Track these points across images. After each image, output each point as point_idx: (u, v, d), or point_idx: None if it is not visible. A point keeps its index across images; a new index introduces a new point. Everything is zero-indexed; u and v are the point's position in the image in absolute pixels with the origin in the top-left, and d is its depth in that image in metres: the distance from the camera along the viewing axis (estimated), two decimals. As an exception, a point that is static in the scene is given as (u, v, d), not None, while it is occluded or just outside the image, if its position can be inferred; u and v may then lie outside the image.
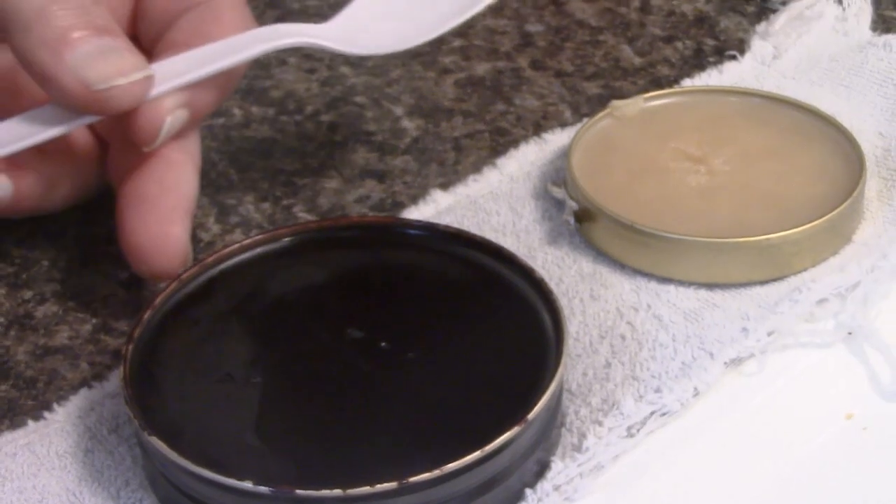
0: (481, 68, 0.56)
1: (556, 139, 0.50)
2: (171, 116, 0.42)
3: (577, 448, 0.38)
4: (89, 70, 0.40)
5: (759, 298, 0.42)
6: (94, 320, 0.44)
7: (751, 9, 0.58)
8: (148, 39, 0.46)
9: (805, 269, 0.43)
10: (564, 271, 0.44)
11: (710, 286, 0.43)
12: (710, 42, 0.57)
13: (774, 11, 0.56)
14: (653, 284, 0.43)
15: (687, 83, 0.53)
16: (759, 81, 0.52)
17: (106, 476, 0.38)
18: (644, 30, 0.58)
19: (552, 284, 0.40)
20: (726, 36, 0.57)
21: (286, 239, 0.42)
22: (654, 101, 0.49)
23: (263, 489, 0.34)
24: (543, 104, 0.54)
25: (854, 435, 0.39)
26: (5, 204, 0.44)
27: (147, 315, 0.39)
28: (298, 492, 0.34)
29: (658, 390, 0.39)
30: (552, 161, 0.49)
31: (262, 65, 0.56)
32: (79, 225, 0.48)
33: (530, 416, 0.35)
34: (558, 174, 0.48)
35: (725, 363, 0.40)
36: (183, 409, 0.37)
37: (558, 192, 0.46)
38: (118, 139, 0.45)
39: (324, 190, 0.50)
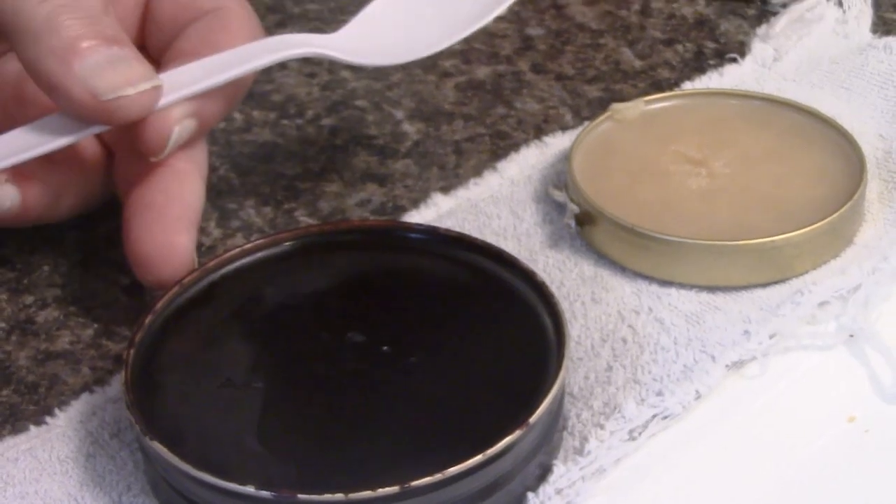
0: (482, 72, 0.56)
1: (557, 142, 0.50)
2: (179, 126, 0.42)
3: (579, 451, 0.38)
4: (98, 80, 0.40)
5: (761, 301, 0.42)
6: (95, 325, 0.44)
7: (751, 11, 0.58)
8: (156, 48, 0.46)
9: (806, 272, 0.43)
10: (565, 275, 0.44)
11: (712, 289, 0.43)
12: (711, 45, 0.57)
13: (775, 14, 0.56)
14: (654, 287, 0.43)
15: (687, 86, 0.53)
16: (760, 84, 0.52)
17: (108, 481, 0.38)
18: (644, 33, 0.58)
19: (553, 288, 0.40)
20: (727, 38, 0.57)
21: (287, 243, 0.42)
22: (655, 104, 0.49)
23: (265, 494, 0.34)
24: (544, 107, 0.54)
25: (856, 437, 0.39)
26: (13, 213, 0.44)
27: (148, 320, 0.39)
28: (300, 496, 0.34)
29: (660, 393, 0.39)
30: (553, 164, 0.49)
31: (264, 69, 0.56)
32: (80, 230, 0.48)
33: (532, 419, 0.35)
34: (559, 177, 0.48)
35: (727, 366, 0.40)
36: (184, 414, 0.37)
37: (559, 196, 0.46)
38: (125, 148, 0.45)
39: (325, 194, 0.50)
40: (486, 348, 0.39)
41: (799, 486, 0.38)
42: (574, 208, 0.45)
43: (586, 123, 0.49)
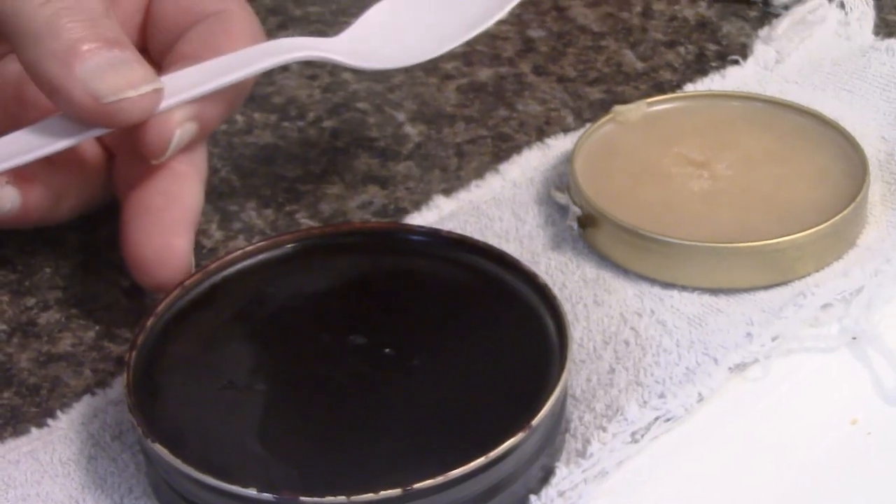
0: (483, 74, 0.56)
1: (559, 144, 0.50)
2: (181, 129, 0.42)
3: (582, 454, 0.38)
4: (99, 82, 0.40)
5: (763, 303, 0.42)
6: (97, 327, 0.44)
7: (753, 13, 0.58)
8: (157, 51, 0.46)
9: (809, 274, 0.43)
10: (568, 277, 0.44)
11: (714, 291, 0.43)
12: (713, 47, 0.57)
13: (777, 16, 0.56)
14: (656, 290, 0.43)
15: (689, 88, 0.53)
16: (762, 86, 0.52)
17: (109, 483, 0.38)
18: (646, 35, 0.58)
19: (555, 290, 0.40)
20: (728, 40, 0.57)
21: (289, 245, 0.42)
22: (657, 105, 0.49)
23: (267, 496, 0.34)
24: (546, 109, 0.54)
25: (858, 440, 0.39)
26: (13, 215, 0.44)
27: (150, 322, 0.39)
28: (302, 498, 0.33)
29: (662, 396, 0.39)
30: (555, 166, 0.49)
31: (265, 71, 0.56)
32: (81, 232, 0.48)
33: (534, 421, 0.35)
34: (561, 179, 0.48)
35: (730, 368, 0.40)
36: (186, 416, 0.37)
37: (561, 198, 0.46)
38: (125, 150, 0.45)
39: (326, 196, 0.50)
40: (488, 350, 0.38)
41: (801, 489, 0.38)
42: (576, 210, 0.45)
43: (588, 125, 0.49)
